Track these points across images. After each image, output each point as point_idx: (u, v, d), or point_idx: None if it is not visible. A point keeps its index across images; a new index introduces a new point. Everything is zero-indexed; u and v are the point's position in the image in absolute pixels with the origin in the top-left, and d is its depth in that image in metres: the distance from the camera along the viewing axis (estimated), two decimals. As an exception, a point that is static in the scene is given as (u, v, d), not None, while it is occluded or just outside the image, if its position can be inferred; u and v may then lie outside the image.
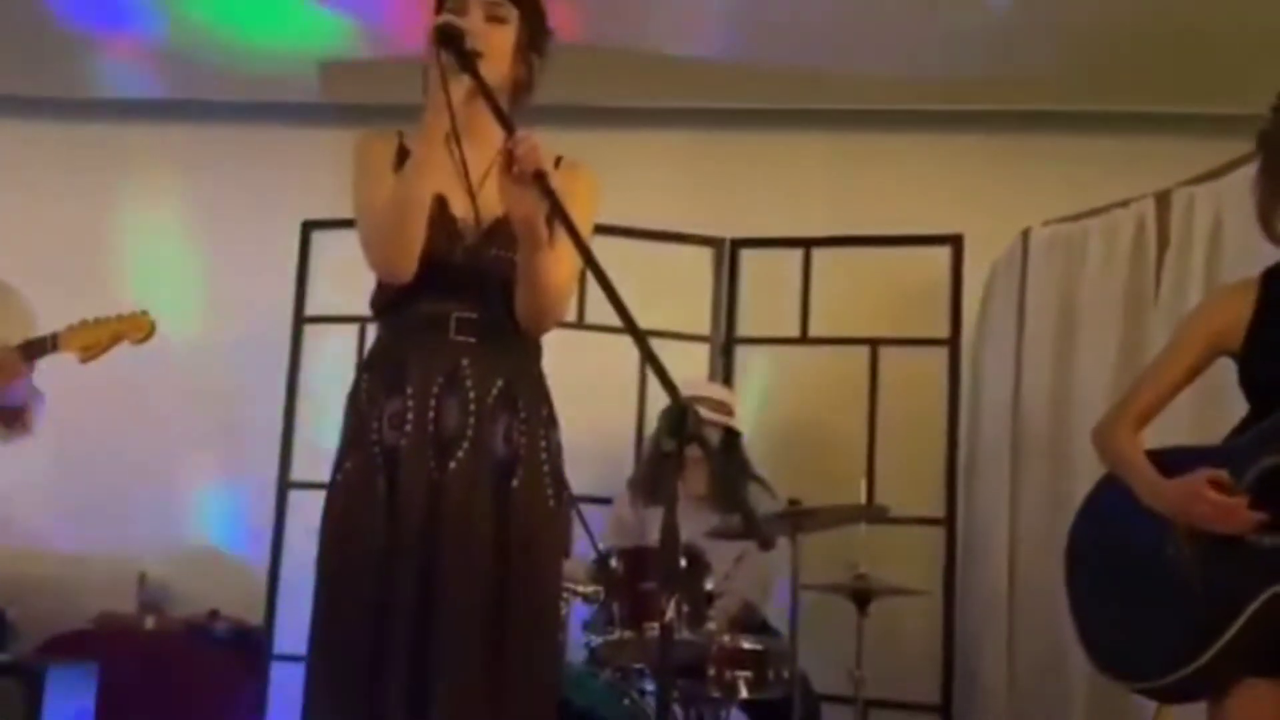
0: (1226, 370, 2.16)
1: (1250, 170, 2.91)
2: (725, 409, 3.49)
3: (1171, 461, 2.11)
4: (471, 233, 1.98)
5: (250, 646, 3.92)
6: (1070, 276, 3.56)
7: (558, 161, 2.05)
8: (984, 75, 4.07)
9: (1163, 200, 3.33)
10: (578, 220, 1.95)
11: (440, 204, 1.97)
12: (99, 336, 2.82)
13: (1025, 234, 3.72)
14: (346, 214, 4.13)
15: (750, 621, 3.33)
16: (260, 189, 4.48)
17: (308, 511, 3.91)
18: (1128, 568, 2.16)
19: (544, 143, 2.02)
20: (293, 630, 3.88)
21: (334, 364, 3.86)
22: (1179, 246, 3.26)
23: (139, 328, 2.85)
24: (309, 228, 4.09)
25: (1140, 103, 4.11)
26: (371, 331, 3.79)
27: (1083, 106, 4.19)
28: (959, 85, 4.14)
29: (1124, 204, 3.44)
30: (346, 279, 3.92)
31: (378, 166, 2.00)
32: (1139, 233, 3.38)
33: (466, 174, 1.93)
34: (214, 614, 4.09)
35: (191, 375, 4.21)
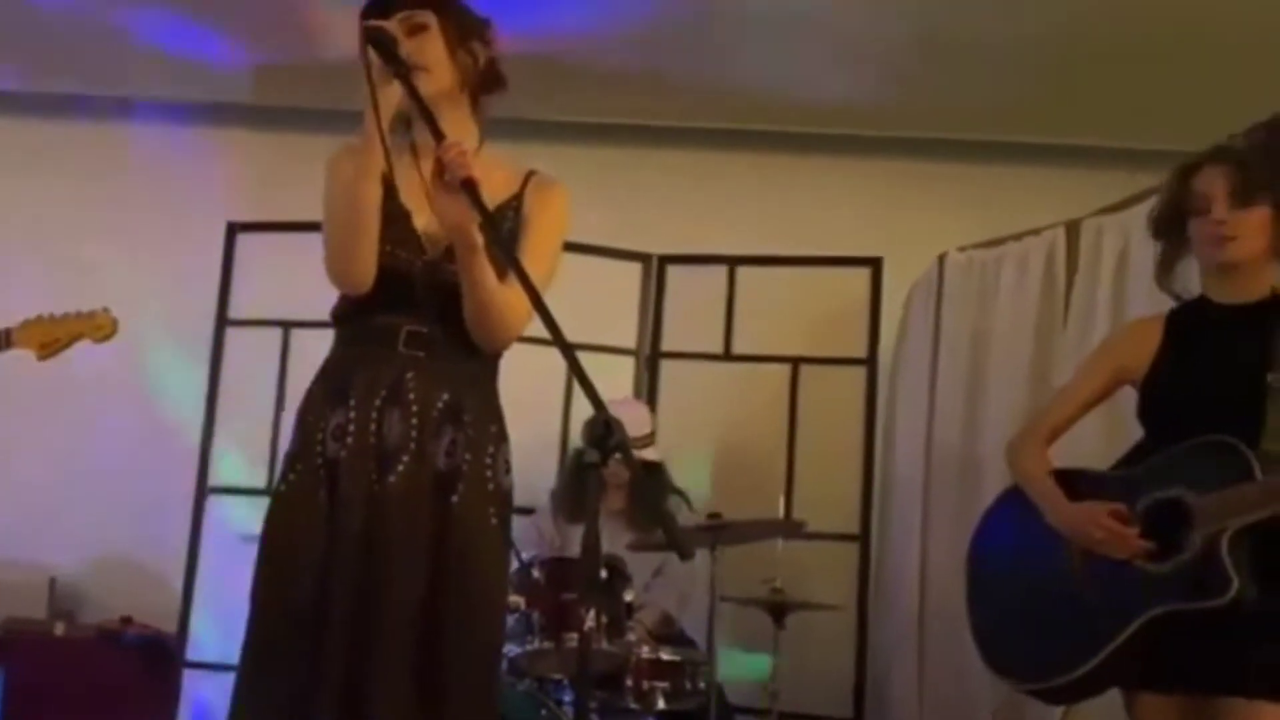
0: (1130, 397, 2.30)
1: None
2: (643, 442, 3.50)
3: (1075, 483, 2.25)
4: (433, 247, 1.96)
5: (163, 654, 3.86)
6: (983, 301, 3.65)
7: (529, 176, 2.05)
8: (907, 103, 4.19)
9: (1072, 230, 3.44)
10: (542, 237, 1.99)
11: (404, 218, 1.96)
12: (58, 334, 2.78)
13: (941, 258, 3.81)
14: (273, 217, 4.10)
15: (668, 633, 3.38)
16: (185, 189, 4.42)
17: (225, 517, 3.90)
18: (1024, 576, 2.30)
19: (515, 157, 2.02)
20: (206, 638, 3.84)
21: (256, 368, 3.83)
22: (1087, 274, 3.37)
23: (100, 326, 2.81)
24: (234, 229, 4.06)
25: (1053, 135, 4.26)
26: (295, 336, 3.86)
27: (999, 137, 4.32)
28: (883, 112, 4.26)
29: (1036, 232, 3.54)
30: (271, 282, 3.92)
31: (343, 179, 1.96)
32: (1049, 260, 3.47)
33: (422, 186, 1.88)
34: (127, 620, 4.01)
35: (110, 376, 4.13)
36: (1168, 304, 2.30)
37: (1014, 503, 2.36)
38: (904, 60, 3.93)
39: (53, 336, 2.77)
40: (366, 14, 1.98)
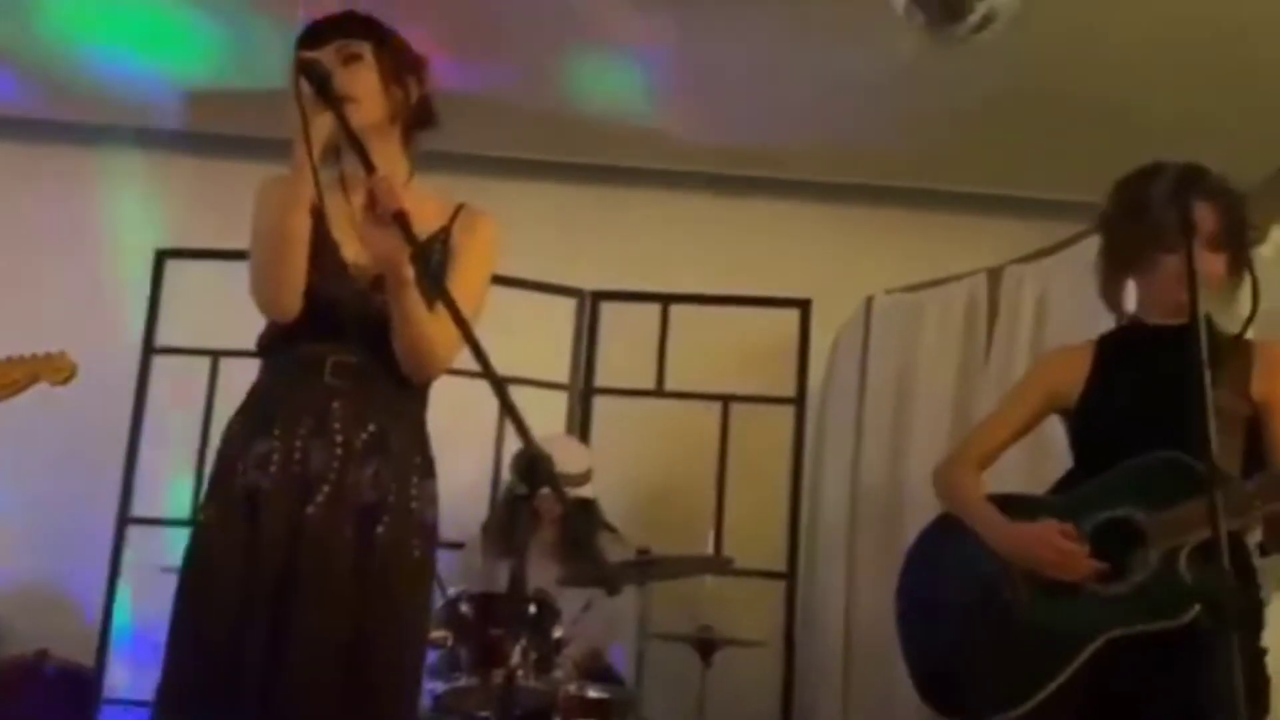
0: (1053, 426, 2.31)
1: (1075, 251, 3.18)
2: (579, 480, 3.52)
3: (1011, 509, 2.18)
4: (362, 277, 1.96)
5: (80, 689, 3.75)
6: (908, 343, 3.73)
7: (459, 209, 2.06)
8: (837, 150, 4.30)
9: (994, 276, 3.54)
10: (470, 267, 1.99)
11: (332, 247, 1.96)
12: (16, 375, 2.71)
13: (869, 301, 3.89)
14: (203, 244, 4.05)
15: (596, 669, 3.37)
16: (114, 214, 4.36)
17: (147, 549, 3.82)
18: (961, 608, 2.21)
19: (445, 190, 2.02)
20: (126, 673, 3.75)
21: (182, 398, 3.78)
22: (1007, 320, 3.47)
23: (59, 369, 2.75)
24: (163, 256, 4.02)
25: (978, 184, 4.40)
26: (224, 365, 3.81)
27: (927, 185, 4.46)
28: (814, 158, 4.36)
29: (959, 278, 3.64)
30: (200, 311, 3.88)
31: (272, 206, 1.95)
32: (972, 305, 3.57)
33: (351, 216, 1.88)
34: (43, 654, 3.89)
35: (31, 403, 4.03)
36: None
37: (944, 532, 2.30)
38: (835, 109, 4.04)
39: (10, 378, 2.71)
40: (303, 41, 1.99)
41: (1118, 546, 2.03)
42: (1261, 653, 2.02)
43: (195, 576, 1.90)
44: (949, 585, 2.26)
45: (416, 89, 2.04)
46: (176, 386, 3.90)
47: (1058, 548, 2.06)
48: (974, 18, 3.03)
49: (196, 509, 2.02)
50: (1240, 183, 2.14)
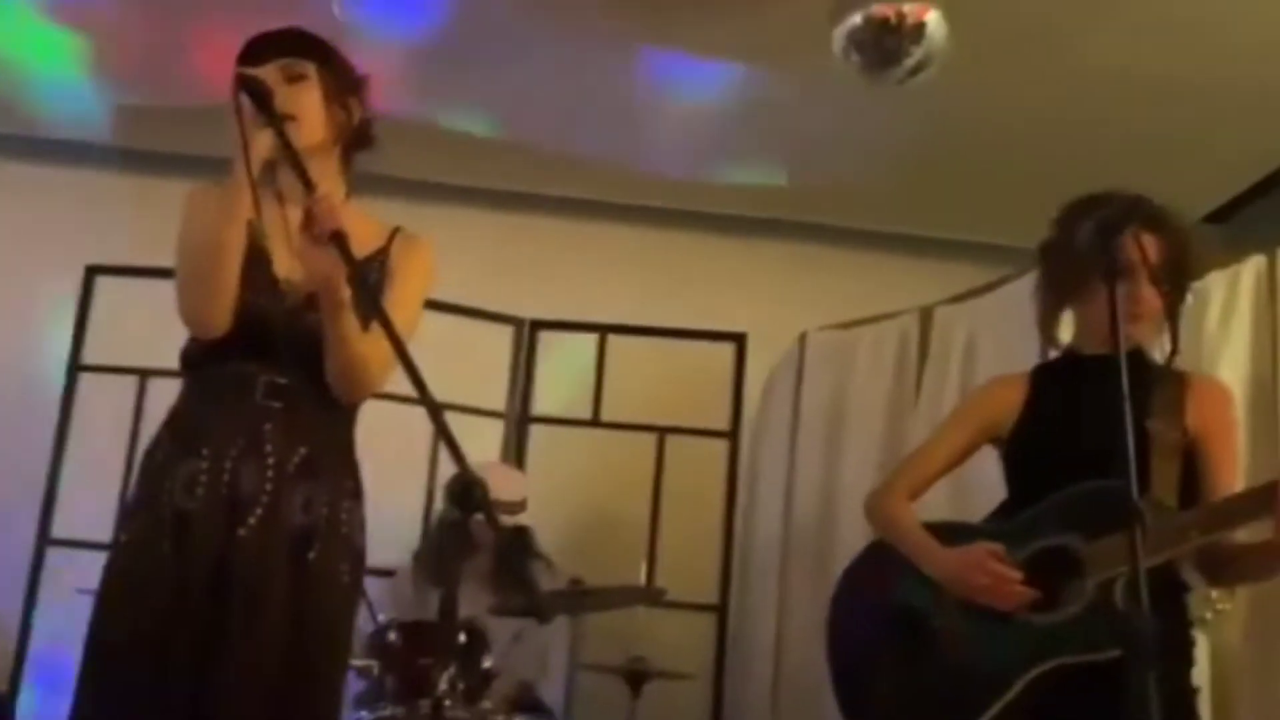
0: (977, 460, 2.30)
1: (1003, 293, 3.25)
2: (516, 508, 3.50)
3: (945, 535, 2.14)
4: (295, 294, 1.93)
5: (-9, 715, 3.65)
6: (841, 379, 3.78)
7: (395, 232, 2.06)
8: (775, 188, 4.37)
9: (925, 316, 3.61)
10: (406, 290, 1.98)
11: (264, 263, 1.93)
12: None
13: (803, 337, 3.94)
14: (134, 261, 3.98)
15: (525, 701, 3.35)
16: (43, 229, 4.28)
17: (67, 572, 3.72)
18: (893, 638, 2.16)
19: (379, 212, 2.01)
20: (40, 698, 3.65)
21: (109, 417, 3.71)
22: (937, 359, 3.53)
23: None
24: (93, 273, 3.95)
25: (911, 226, 4.50)
26: (152, 385, 3.74)
27: (861, 225, 4.54)
28: (753, 195, 4.43)
29: (891, 316, 3.71)
30: (129, 329, 3.81)
31: (202, 219, 1.92)
32: (903, 344, 3.63)
33: (285, 233, 1.86)
34: (-48, 680, 3.78)
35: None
36: None
37: (874, 561, 2.26)
38: (774, 148, 4.12)
39: None
40: (245, 56, 1.97)
41: (1053, 576, 2.00)
42: (1192, 690, 2.00)
43: (116, 597, 1.85)
44: (879, 615, 2.22)
45: (358, 110, 2.03)
46: (103, 405, 3.82)
47: (991, 572, 2.02)
48: (909, 62, 3.11)
49: (116, 528, 1.95)
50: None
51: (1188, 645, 2.04)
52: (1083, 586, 1.96)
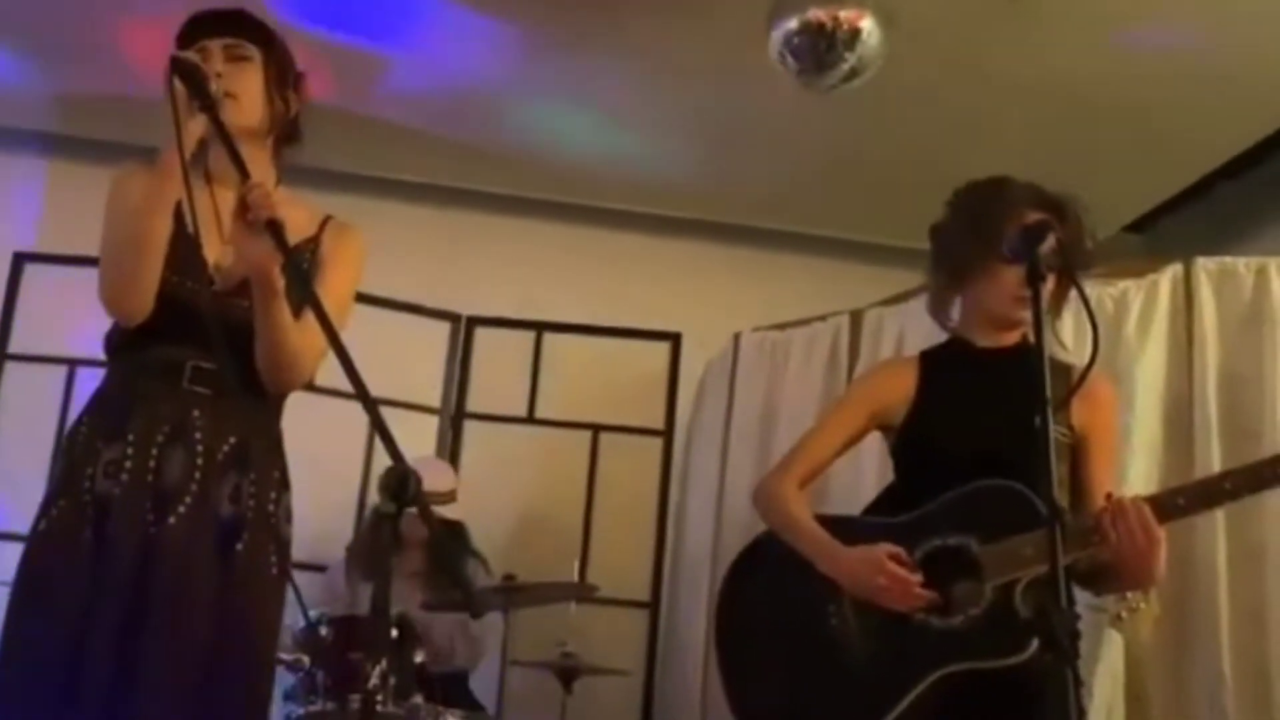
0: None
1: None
2: (444, 498, 3.49)
3: (837, 531, 2.06)
4: (226, 279, 1.90)
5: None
6: (773, 380, 3.82)
7: (327, 220, 2.04)
8: (712, 190, 4.42)
9: (856, 318, 3.67)
10: (338, 280, 1.96)
11: (192, 247, 1.89)
12: None
13: (737, 338, 3.98)
14: (64, 250, 3.90)
15: (456, 696, 3.35)
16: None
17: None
18: (785, 636, 2.09)
19: (312, 202, 1.99)
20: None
21: (35, 407, 3.64)
22: (868, 359, 3.57)
23: None
24: (21, 260, 3.87)
25: (843, 230, 4.58)
26: (82, 374, 3.67)
27: (795, 228, 4.61)
28: (690, 196, 4.48)
29: (823, 318, 3.76)
30: (58, 318, 3.74)
31: (128, 202, 1.89)
32: (834, 344, 3.68)
33: (216, 217, 1.83)
34: None
35: None
36: None
37: (764, 555, 2.17)
38: (710, 150, 4.17)
39: None
40: (189, 30, 1.96)
41: (946, 576, 1.95)
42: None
43: (33, 584, 1.81)
44: (771, 612, 2.13)
45: (294, 103, 2.02)
46: (30, 396, 3.75)
47: (891, 574, 1.94)
48: (844, 67, 3.16)
49: (35, 515, 1.88)
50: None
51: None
52: (979, 589, 1.91)
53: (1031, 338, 2.00)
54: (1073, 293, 2.02)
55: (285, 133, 2.03)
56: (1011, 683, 1.83)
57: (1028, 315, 1.95)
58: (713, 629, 2.23)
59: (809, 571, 2.06)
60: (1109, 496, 1.91)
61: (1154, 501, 1.88)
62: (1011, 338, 2.11)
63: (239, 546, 1.86)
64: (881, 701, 1.93)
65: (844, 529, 2.07)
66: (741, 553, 2.25)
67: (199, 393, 1.88)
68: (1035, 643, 1.74)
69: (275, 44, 2.01)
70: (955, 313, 2.18)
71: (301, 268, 1.82)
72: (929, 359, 2.18)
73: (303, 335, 1.87)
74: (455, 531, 3.51)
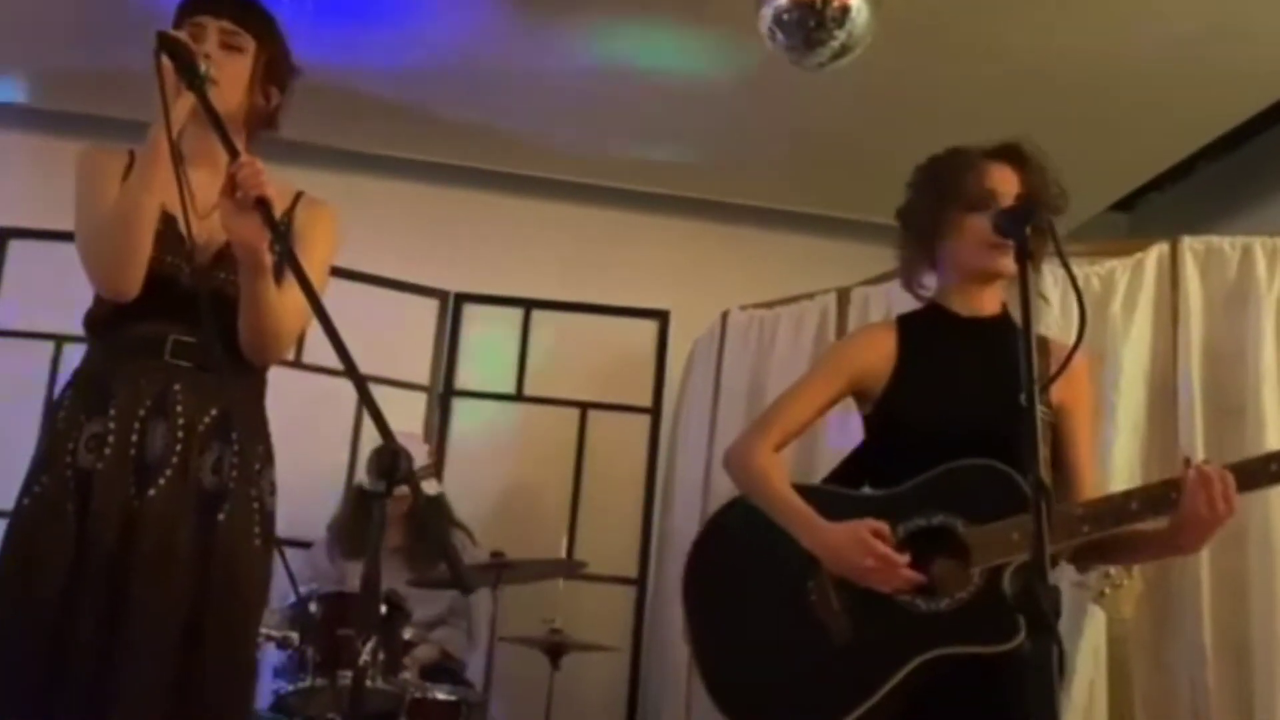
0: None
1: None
2: (423, 473, 3.49)
3: (821, 505, 1.98)
4: (201, 254, 1.91)
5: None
6: (762, 357, 3.83)
7: (299, 196, 2.04)
8: (701, 168, 4.41)
9: (843, 296, 3.68)
10: (314, 256, 1.96)
11: (169, 223, 1.90)
12: None
13: (724, 316, 3.99)
14: (50, 225, 3.88)
15: (446, 672, 3.36)
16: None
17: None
18: (759, 607, 2.02)
19: (285, 178, 1.98)
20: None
21: (22, 383, 3.62)
22: (855, 337, 3.62)
23: None
24: (6, 235, 3.85)
25: (831, 208, 4.57)
26: (68, 350, 3.65)
27: (784, 206, 4.61)
28: (679, 174, 4.47)
29: (810, 296, 3.77)
30: (44, 293, 3.72)
31: (103, 179, 1.91)
32: (822, 323, 3.69)
33: (189, 194, 1.82)
34: None
35: None
36: None
37: (737, 522, 2.08)
38: (700, 128, 4.15)
39: None
40: (188, 9, 1.95)
41: (930, 556, 1.89)
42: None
43: (17, 558, 1.82)
44: (743, 582, 2.04)
45: (276, 99, 2.03)
46: (16, 371, 3.73)
47: (877, 554, 1.87)
48: (834, 44, 3.16)
49: (19, 490, 1.88)
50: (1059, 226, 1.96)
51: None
52: (964, 571, 1.85)
53: (1012, 307, 2.02)
54: (1061, 271, 2.02)
55: (261, 123, 2.03)
56: (990, 663, 1.79)
57: (1004, 263, 1.94)
58: (681, 597, 2.14)
59: (783, 540, 1.97)
60: (1187, 462, 1.84)
61: (1238, 470, 1.80)
62: (992, 305, 2.05)
63: (221, 517, 1.87)
64: (865, 683, 1.86)
65: (823, 500, 1.99)
66: (711, 518, 2.19)
67: (180, 366, 1.90)
68: (1024, 629, 1.63)
69: (273, 37, 2.01)
70: (930, 281, 2.13)
71: (290, 247, 1.82)
72: (907, 324, 2.12)
73: (285, 308, 1.88)
74: (438, 504, 3.52)
